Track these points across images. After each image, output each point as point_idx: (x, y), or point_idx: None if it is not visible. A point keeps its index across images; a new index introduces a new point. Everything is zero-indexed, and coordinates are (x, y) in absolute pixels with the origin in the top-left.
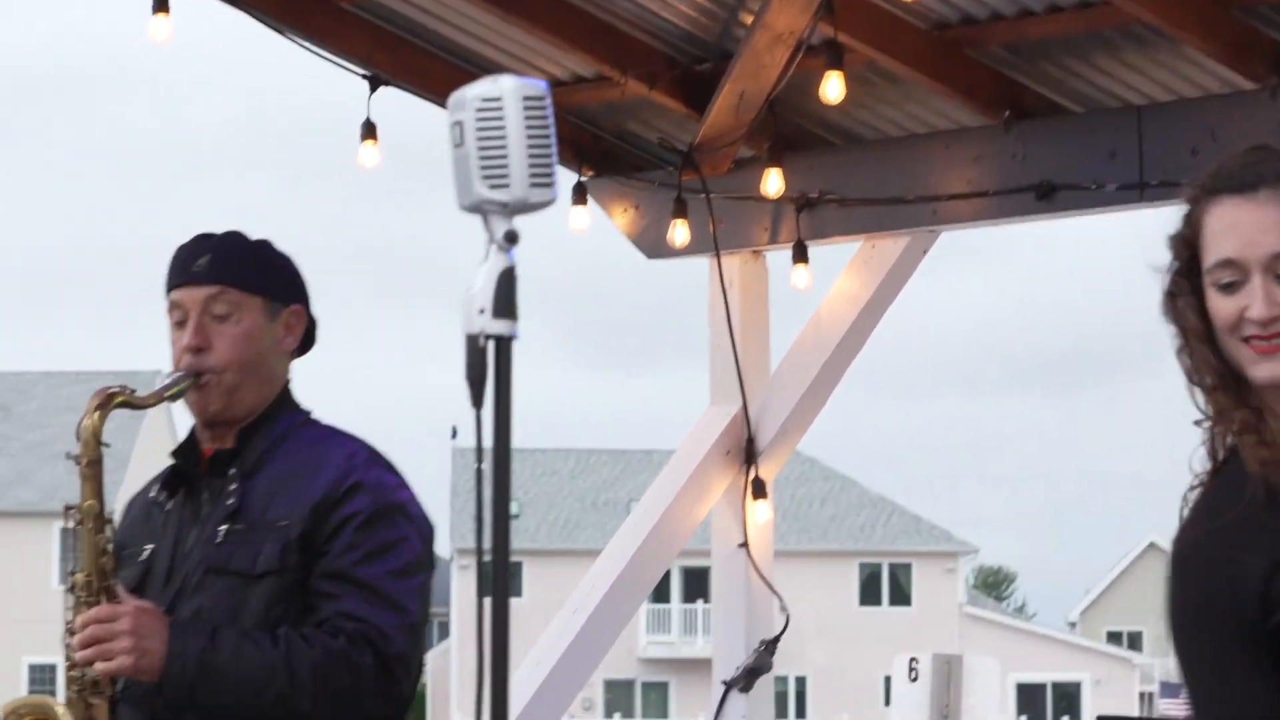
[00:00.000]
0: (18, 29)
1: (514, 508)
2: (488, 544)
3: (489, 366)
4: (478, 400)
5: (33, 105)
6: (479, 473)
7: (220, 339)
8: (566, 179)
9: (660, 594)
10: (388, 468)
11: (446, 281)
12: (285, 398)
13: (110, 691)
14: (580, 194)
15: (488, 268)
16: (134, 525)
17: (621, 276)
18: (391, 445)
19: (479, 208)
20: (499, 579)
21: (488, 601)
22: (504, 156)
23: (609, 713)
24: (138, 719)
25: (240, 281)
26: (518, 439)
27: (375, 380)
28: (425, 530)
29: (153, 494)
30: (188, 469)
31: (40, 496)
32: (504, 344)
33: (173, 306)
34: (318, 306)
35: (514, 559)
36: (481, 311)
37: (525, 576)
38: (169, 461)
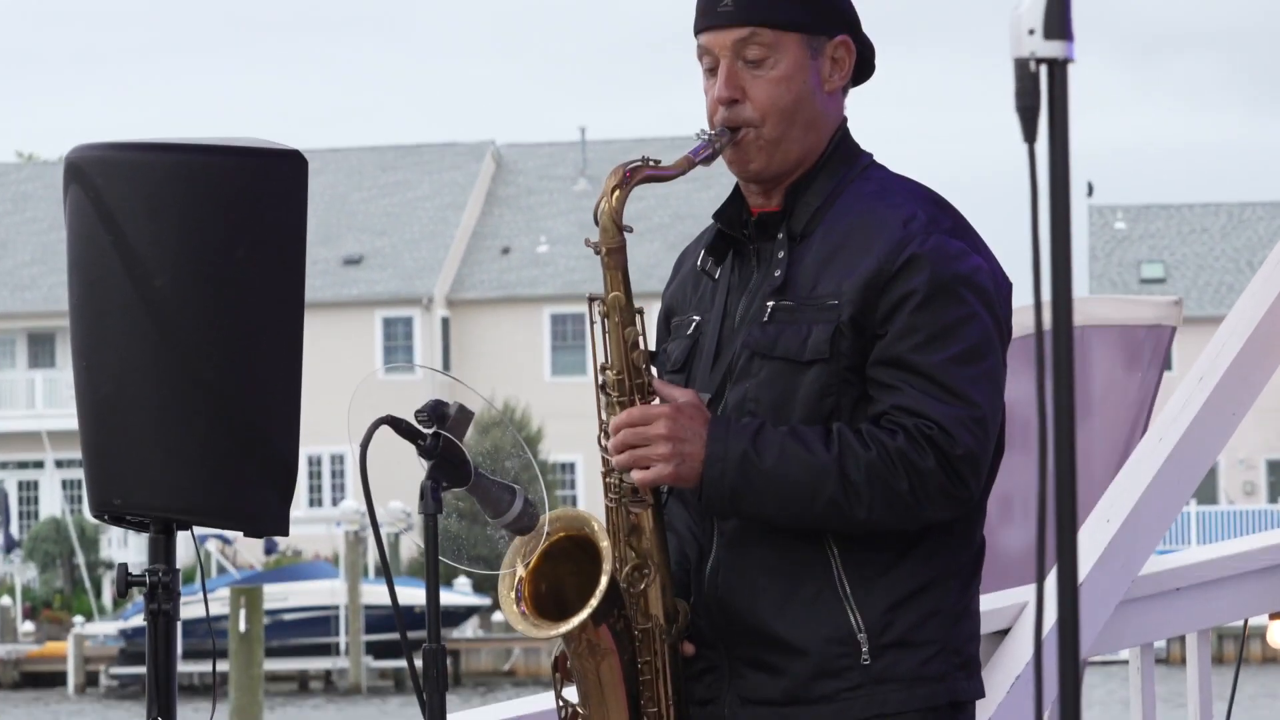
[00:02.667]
0: None
1: (1159, 270)
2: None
3: (1042, 94)
4: (1030, 133)
5: None
6: (1034, 214)
7: (756, 87)
8: None
9: None
10: (951, 230)
11: None
12: (839, 144)
13: (652, 499)
14: None
15: None
16: (683, 287)
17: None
18: (1018, 206)
19: None
20: (1060, 339)
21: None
22: None
23: (1273, 496)
24: (686, 517)
25: (773, 18)
26: (1158, 194)
27: (1003, 139)
28: (997, 300)
29: (699, 259)
30: (733, 233)
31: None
32: (1058, 68)
33: (702, 52)
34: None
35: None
36: (1031, 32)
37: (1175, 345)
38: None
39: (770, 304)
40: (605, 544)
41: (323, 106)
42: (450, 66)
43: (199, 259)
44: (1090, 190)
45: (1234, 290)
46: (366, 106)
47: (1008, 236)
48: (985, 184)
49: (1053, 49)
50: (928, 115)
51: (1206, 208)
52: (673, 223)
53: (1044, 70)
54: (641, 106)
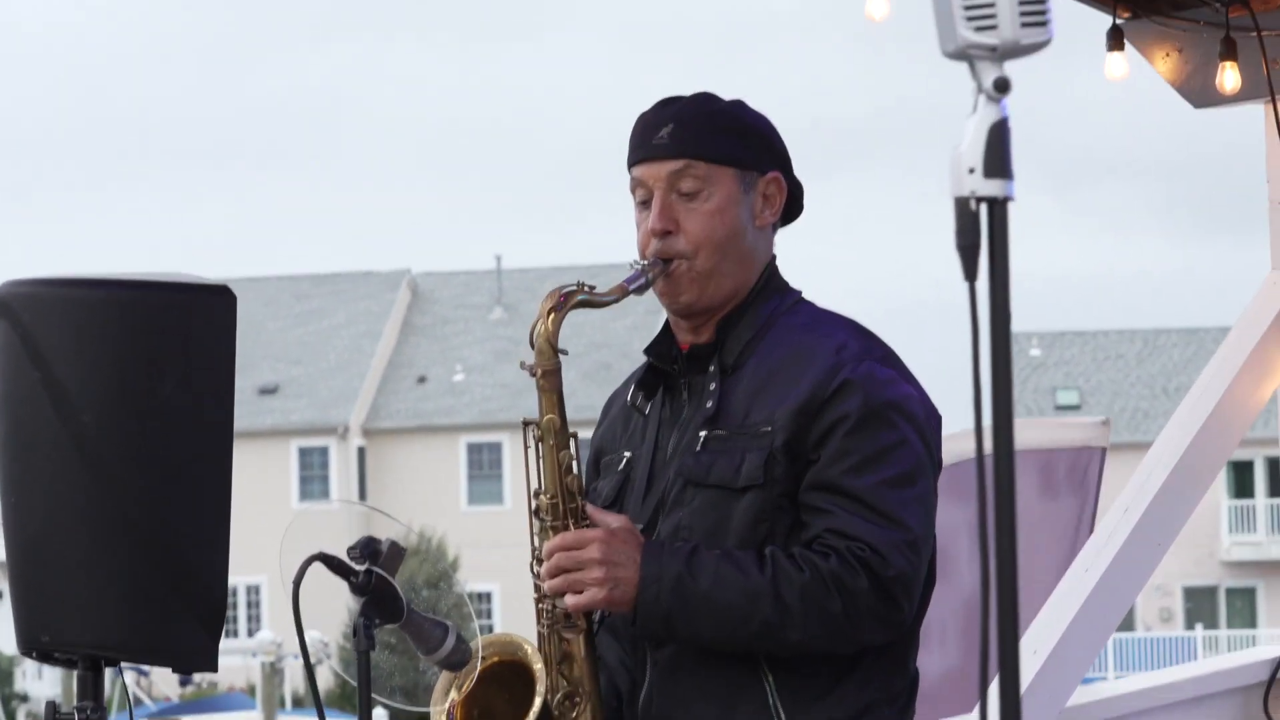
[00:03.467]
0: None
1: (1074, 397)
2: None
3: (982, 233)
4: (970, 272)
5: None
6: (975, 353)
7: (689, 219)
8: (1099, 23)
9: (1243, 488)
10: (882, 359)
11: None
12: (769, 279)
13: (584, 625)
14: (1116, 38)
15: (976, 120)
16: (612, 427)
17: (1168, 129)
18: (947, 331)
19: (964, 53)
20: (1001, 470)
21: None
22: None
23: (1189, 623)
24: (616, 649)
25: (708, 152)
26: (1074, 321)
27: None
28: (928, 429)
29: (629, 395)
30: (664, 366)
31: None
32: (998, 206)
33: (635, 184)
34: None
35: None
36: (971, 171)
37: None
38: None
39: (703, 433)
40: (539, 666)
41: (238, 235)
42: (365, 195)
43: (127, 394)
44: None
45: (1149, 416)
46: (281, 235)
47: (945, 366)
48: (912, 313)
49: (993, 188)
50: (853, 245)
51: (1121, 334)
52: (588, 351)
53: (984, 208)
54: (557, 235)
